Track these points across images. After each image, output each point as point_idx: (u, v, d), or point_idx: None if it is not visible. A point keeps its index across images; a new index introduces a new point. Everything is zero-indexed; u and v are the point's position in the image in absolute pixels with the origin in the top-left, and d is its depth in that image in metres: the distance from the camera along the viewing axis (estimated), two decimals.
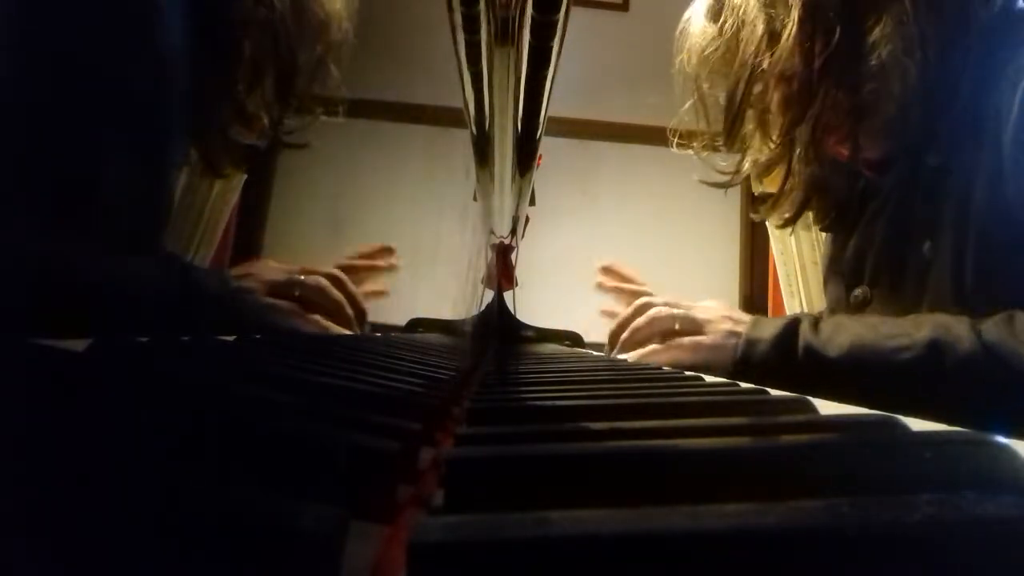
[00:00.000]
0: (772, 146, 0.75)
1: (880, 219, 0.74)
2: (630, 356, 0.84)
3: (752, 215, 0.90)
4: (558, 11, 0.40)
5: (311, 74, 0.74)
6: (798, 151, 0.72)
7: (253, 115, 0.67)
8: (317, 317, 0.72)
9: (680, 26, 0.83)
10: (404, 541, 0.13)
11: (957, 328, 0.55)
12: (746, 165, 0.80)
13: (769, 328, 0.68)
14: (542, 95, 0.53)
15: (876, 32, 0.64)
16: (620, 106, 1.93)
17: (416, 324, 1.15)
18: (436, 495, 0.21)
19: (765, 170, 0.78)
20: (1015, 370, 0.52)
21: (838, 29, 0.65)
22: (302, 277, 0.72)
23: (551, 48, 0.44)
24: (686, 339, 0.76)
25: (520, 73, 0.48)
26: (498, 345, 1.32)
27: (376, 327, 0.85)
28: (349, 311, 0.73)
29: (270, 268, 0.72)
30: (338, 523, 0.14)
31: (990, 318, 0.55)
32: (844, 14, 0.65)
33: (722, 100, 0.77)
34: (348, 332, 0.74)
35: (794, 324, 0.66)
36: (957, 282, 0.62)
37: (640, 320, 0.83)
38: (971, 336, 0.54)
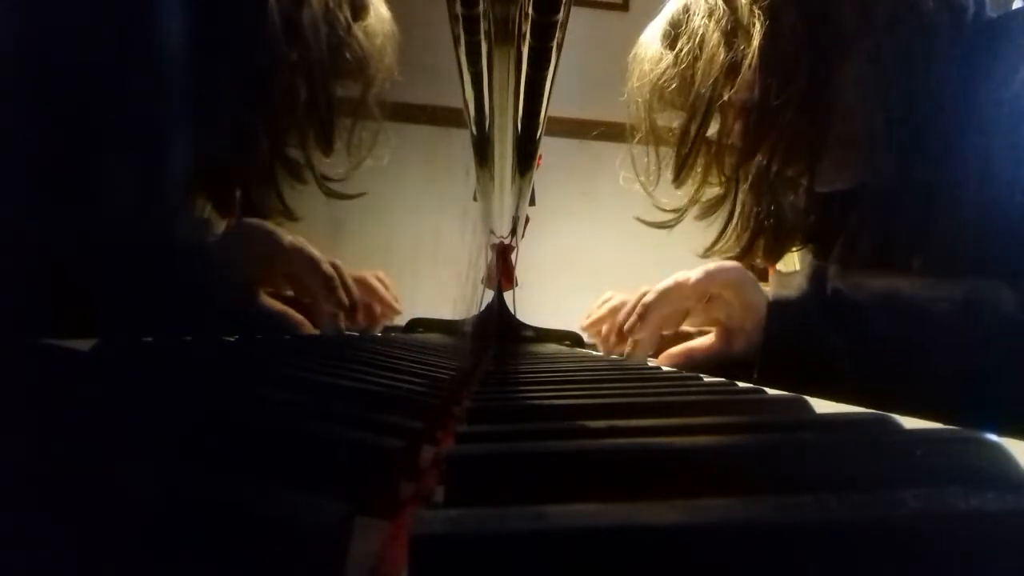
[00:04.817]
0: (723, 181, 0.71)
1: (862, 236, 0.71)
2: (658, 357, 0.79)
3: (697, 254, 0.84)
4: (558, 11, 0.40)
5: (353, 117, 0.69)
6: (745, 186, 0.69)
7: (296, 163, 0.64)
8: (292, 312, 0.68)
9: (633, 50, 0.77)
10: (406, 536, 0.13)
11: (998, 291, 0.53)
12: (691, 206, 0.76)
13: (796, 276, 0.64)
14: (542, 95, 0.53)
15: (842, 64, 0.62)
16: (620, 106, 1.93)
17: (416, 324, 1.15)
18: (437, 492, 0.21)
19: (708, 210, 0.74)
20: None
21: (802, 59, 0.62)
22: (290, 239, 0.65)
23: (551, 48, 0.44)
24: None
25: (520, 73, 0.48)
26: (498, 345, 1.32)
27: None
28: (342, 295, 0.67)
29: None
30: (343, 519, 0.14)
31: None
32: (807, 44, 0.62)
33: (675, 130, 0.73)
34: (325, 326, 0.71)
35: (820, 268, 0.63)
36: None
37: (649, 297, 0.78)
38: (1015, 298, 0.52)
